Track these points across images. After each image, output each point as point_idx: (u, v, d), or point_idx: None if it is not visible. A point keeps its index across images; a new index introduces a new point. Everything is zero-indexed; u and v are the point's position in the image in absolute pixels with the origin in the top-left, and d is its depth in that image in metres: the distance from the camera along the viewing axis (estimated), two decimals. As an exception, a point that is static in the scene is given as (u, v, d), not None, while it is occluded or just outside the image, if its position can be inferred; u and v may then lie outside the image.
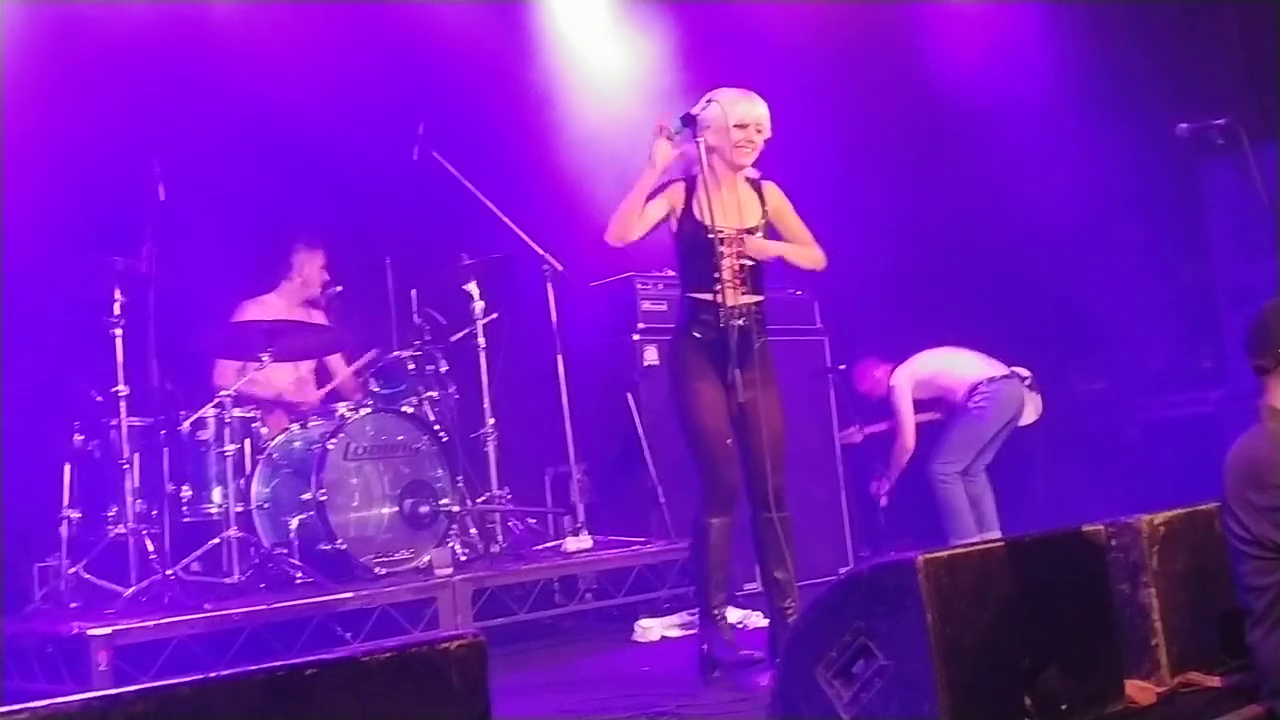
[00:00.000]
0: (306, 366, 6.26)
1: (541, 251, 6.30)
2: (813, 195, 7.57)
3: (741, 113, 4.45)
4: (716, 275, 4.37)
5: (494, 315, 6.21)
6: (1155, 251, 7.47)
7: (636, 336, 6.70)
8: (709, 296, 4.39)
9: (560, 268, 6.36)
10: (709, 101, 4.47)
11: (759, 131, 4.48)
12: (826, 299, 7.40)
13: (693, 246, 4.44)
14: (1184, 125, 4.81)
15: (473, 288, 6.15)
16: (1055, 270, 7.39)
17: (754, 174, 4.60)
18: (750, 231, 4.47)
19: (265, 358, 5.41)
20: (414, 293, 6.11)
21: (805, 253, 4.63)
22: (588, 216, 7.30)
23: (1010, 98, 7.58)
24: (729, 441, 4.38)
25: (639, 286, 6.79)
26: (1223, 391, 6.91)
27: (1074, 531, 3.60)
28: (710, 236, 4.33)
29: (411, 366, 5.92)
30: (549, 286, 6.36)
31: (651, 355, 6.71)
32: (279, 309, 6.07)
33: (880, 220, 7.79)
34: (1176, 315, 7.49)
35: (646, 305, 6.79)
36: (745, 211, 4.53)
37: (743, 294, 4.40)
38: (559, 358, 6.33)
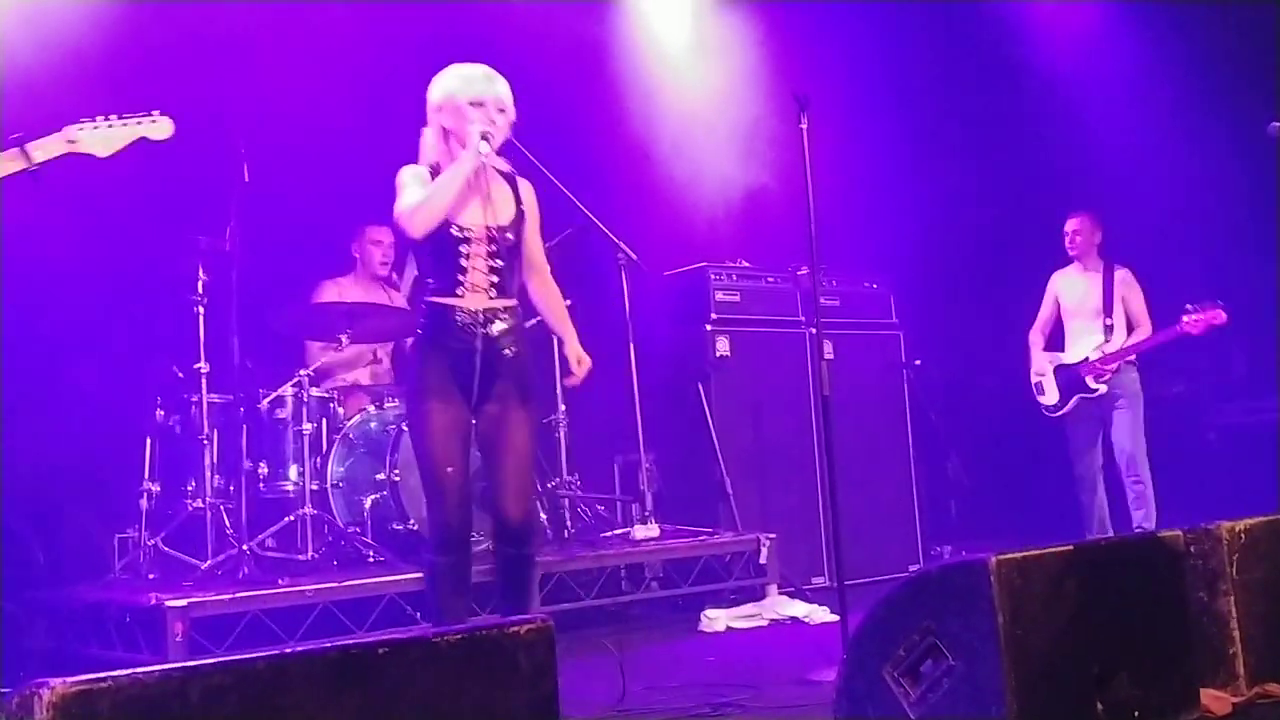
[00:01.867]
0: (384, 349, 6.33)
1: (616, 240, 6.31)
2: (897, 190, 7.57)
3: (479, 91, 4.00)
4: (461, 278, 3.92)
5: (567, 303, 6.20)
6: (1239, 253, 7.33)
7: (709, 327, 6.70)
8: (451, 301, 3.92)
9: (634, 257, 6.37)
10: (439, 79, 4.06)
11: (501, 112, 4.00)
12: (902, 292, 7.35)
13: (434, 245, 3.94)
14: (1275, 124, 4.72)
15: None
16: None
17: (505, 166, 4.13)
18: (503, 230, 3.97)
19: (344, 339, 5.49)
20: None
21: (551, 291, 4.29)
22: (661, 206, 7.33)
23: (1098, 95, 7.48)
24: (450, 470, 3.87)
25: (712, 276, 6.79)
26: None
27: (1151, 536, 3.54)
28: (454, 234, 3.90)
29: (486, 351, 5.94)
30: (623, 275, 6.37)
31: (723, 346, 6.71)
32: (356, 291, 6.15)
33: (964, 215, 7.73)
34: (1259, 319, 7.34)
35: (720, 295, 6.79)
36: (496, 207, 4.00)
37: (491, 298, 3.94)
38: (631, 346, 6.34)
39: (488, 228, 3.95)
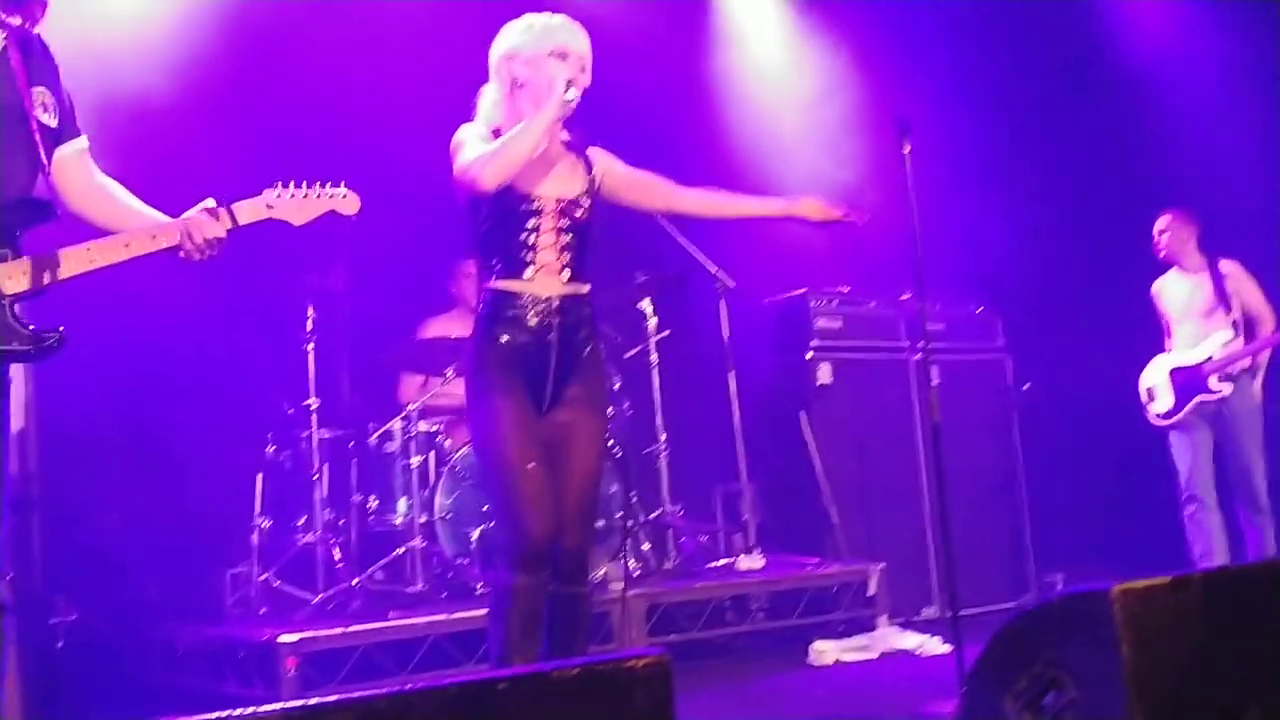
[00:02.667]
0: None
1: (714, 268, 6.30)
2: (997, 208, 7.45)
3: (563, 40, 3.56)
4: (529, 258, 3.49)
5: (666, 332, 6.23)
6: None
7: (810, 354, 6.65)
8: (519, 286, 3.50)
9: (732, 284, 6.35)
10: (510, 27, 3.62)
11: (582, 71, 3.57)
12: (1009, 315, 7.23)
13: (497, 220, 3.52)
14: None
15: (646, 305, 6.18)
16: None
17: (566, 136, 3.68)
18: (574, 203, 3.54)
19: (449, 373, 5.55)
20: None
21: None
22: (761, 231, 7.29)
23: (1196, 105, 7.30)
24: (532, 466, 3.39)
25: (812, 304, 6.74)
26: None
27: (1276, 565, 3.42)
28: (524, 207, 3.49)
29: (588, 383, 5.97)
30: (721, 303, 6.35)
31: (825, 374, 6.65)
32: (459, 327, 6.21)
33: (1065, 230, 7.59)
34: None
35: (821, 323, 6.74)
36: (566, 177, 3.59)
37: (564, 282, 3.51)
38: (731, 374, 6.32)
39: (559, 200, 3.53)
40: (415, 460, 5.48)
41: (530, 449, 3.40)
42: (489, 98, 3.66)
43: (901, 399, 6.77)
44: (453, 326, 6.20)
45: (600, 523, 5.62)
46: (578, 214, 3.54)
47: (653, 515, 6.10)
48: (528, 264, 3.48)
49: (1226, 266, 6.41)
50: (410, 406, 5.58)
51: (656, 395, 6.15)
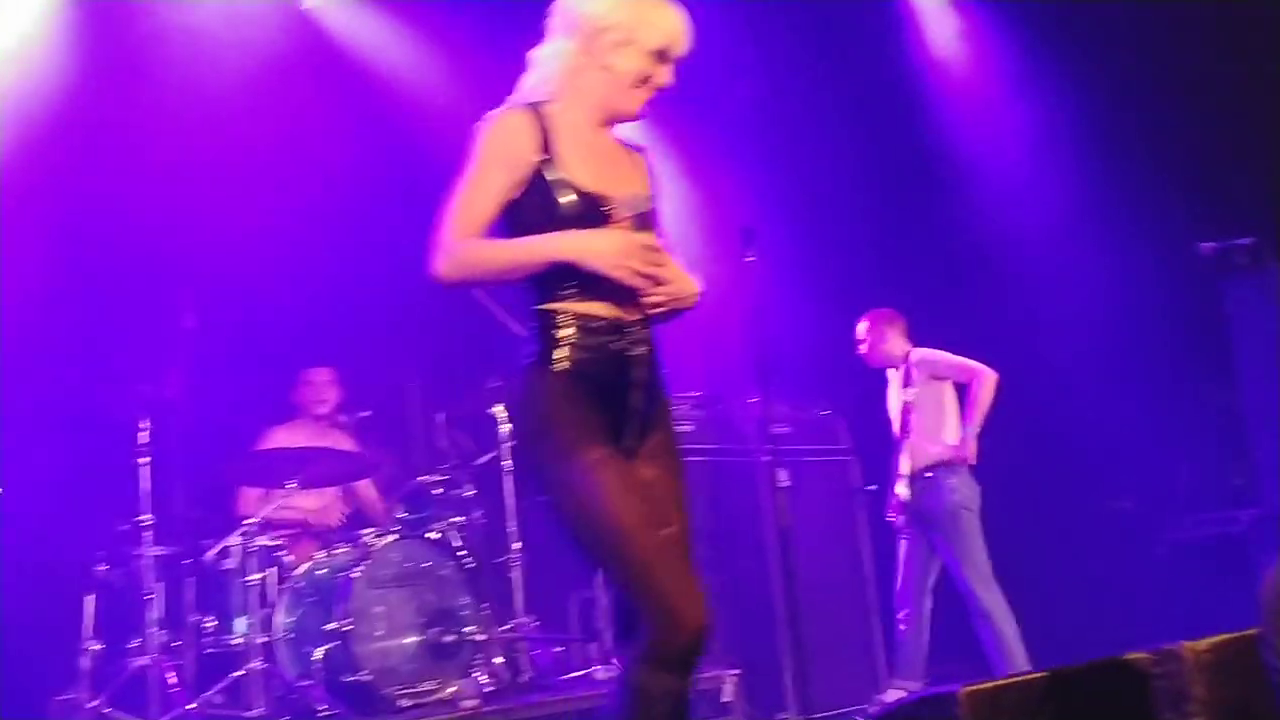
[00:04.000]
0: (332, 492, 6.23)
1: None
2: (831, 314, 7.63)
3: (667, 34, 2.85)
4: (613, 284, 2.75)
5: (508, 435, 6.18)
6: (1182, 370, 7.43)
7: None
8: (599, 309, 2.79)
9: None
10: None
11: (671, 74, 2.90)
12: (854, 417, 7.37)
13: (566, 225, 2.76)
14: (1208, 245, 4.83)
15: (499, 410, 6.13)
16: (1082, 389, 7.35)
17: (626, 134, 3.04)
18: (652, 209, 2.90)
19: (292, 485, 5.40)
20: (441, 416, 6.11)
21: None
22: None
23: (1032, 220, 7.63)
24: (666, 531, 2.75)
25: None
26: (1254, 512, 6.81)
27: (1118, 660, 3.51)
28: (604, 210, 2.78)
29: (438, 491, 5.89)
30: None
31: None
32: (304, 435, 6.08)
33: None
34: (1204, 434, 7.42)
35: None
36: (634, 178, 2.93)
37: (635, 304, 2.80)
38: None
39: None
40: (255, 577, 5.29)
41: (646, 510, 2.70)
42: (554, 58, 2.87)
43: (750, 501, 6.81)
44: (295, 436, 6.06)
45: (450, 637, 5.50)
46: (651, 220, 2.89)
47: (506, 627, 5.99)
48: (603, 283, 2.74)
49: (916, 355, 6.27)
50: (249, 521, 5.40)
51: (510, 503, 6.07)
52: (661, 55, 2.85)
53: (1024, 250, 7.64)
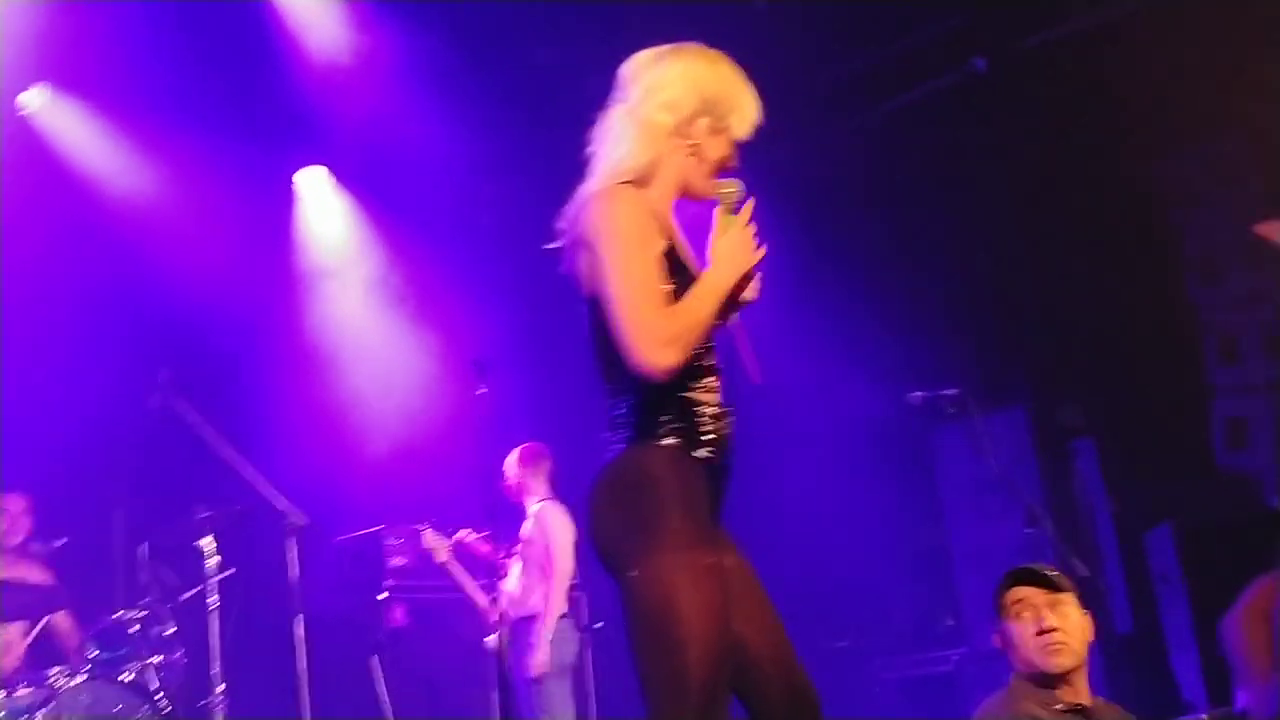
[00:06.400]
0: (16, 628, 5.74)
1: (283, 504, 6.03)
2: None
3: (753, 124, 2.85)
4: (705, 362, 2.72)
5: (229, 571, 5.87)
6: (895, 512, 7.74)
7: (384, 595, 6.44)
8: (700, 394, 2.71)
9: (303, 521, 6.08)
10: (719, 84, 2.81)
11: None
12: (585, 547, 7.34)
13: None
14: (917, 394, 5.06)
15: (207, 542, 5.81)
16: (801, 530, 7.54)
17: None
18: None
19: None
20: (144, 547, 5.75)
21: None
22: (336, 466, 7.11)
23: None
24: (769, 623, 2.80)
25: (387, 541, 6.58)
26: (963, 650, 7.09)
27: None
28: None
29: (136, 628, 5.51)
30: (290, 541, 6.06)
31: (399, 614, 6.45)
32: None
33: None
34: (917, 575, 7.71)
35: (396, 560, 6.57)
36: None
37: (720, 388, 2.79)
38: (298, 618, 5.99)
39: None
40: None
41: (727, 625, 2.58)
42: (651, 134, 2.76)
43: (477, 639, 6.66)
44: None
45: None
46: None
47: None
48: (706, 366, 2.72)
49: (541, 508, 6.13)
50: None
51: (215, 642, 5.72)
52: (739, 147, 2.85)
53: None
